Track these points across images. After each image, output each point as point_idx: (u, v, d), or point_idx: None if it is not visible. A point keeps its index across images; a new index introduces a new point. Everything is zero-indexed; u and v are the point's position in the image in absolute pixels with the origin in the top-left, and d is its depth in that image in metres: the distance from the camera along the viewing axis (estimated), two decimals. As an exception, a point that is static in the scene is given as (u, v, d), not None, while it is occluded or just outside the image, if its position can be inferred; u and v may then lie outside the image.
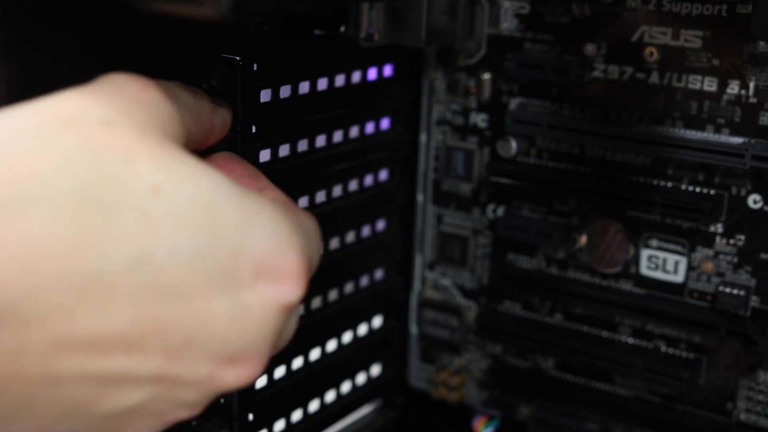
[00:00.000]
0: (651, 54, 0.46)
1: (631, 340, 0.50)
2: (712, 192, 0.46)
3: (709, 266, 0.47)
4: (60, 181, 0.25)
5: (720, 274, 0.47)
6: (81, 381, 0.26)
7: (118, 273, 0.25)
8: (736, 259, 0.46)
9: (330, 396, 0.53)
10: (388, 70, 0.52)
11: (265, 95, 0.43)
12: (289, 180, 0.44)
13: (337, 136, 0.49)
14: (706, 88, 0.45)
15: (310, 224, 0.32)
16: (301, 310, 0.49)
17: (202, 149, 0.35)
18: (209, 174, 0.28)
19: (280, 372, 0.49)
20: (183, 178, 0.27)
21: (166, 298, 0.26)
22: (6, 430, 0.26)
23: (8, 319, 0.24)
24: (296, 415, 0.50)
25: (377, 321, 0.56)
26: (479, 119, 0.52)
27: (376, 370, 0.57)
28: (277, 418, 0.49)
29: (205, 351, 0.27)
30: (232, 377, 0.28)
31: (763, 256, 0.46)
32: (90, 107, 0.27)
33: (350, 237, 0.52)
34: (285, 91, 0.45)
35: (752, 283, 0.46)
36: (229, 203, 0.28)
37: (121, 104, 0.27)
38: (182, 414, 0.29)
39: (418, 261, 0.57)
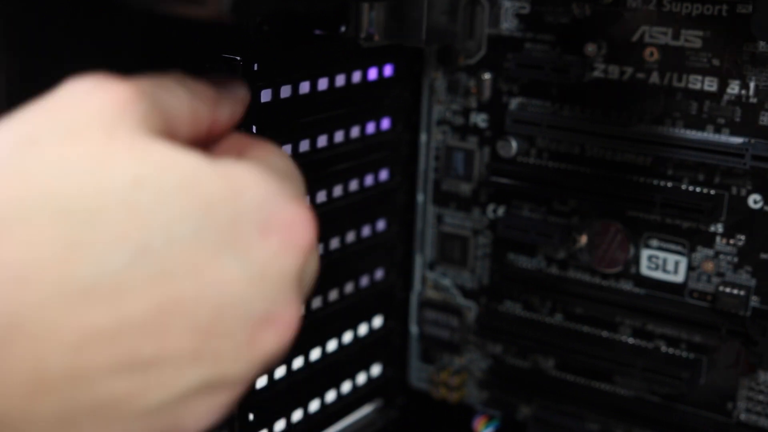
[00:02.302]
0: (651, 54, 0.46)
1: (631, 340, 0.50)
2: (712, 192, 0.46)
3: (709, 266, 0.47)
4: (35, 199, 0.25)
5: (720, 274, 0.47)
6: (115, 374, 0.25)
7: (121, 269, 0.25)
8: (736, 259, 0.46)
9: (330, 396, 0.53)
10: (388, 70, 0.52)
11: (266, 95, 0.44)
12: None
13: (338, 136, 0.49)
14: (706, 88, 0.45)
15: (288, 165, 0.33)
16: (301, 309, 0.49)
17: (208, 140, 0.35)
18: (188, 156, 0.28)
19: (280, 372, 0.49)
20: (162, 165, 0.27)
21: (176, 279, 0.26)
22: None
23: (18, 335, 0.24)
24: (296, 415, 0.50)
25: (377, 321, 0.56)
26: (479, 119, 0.52)
27: (376, 370, 0.57)
28: (277, 418, 0.49)
29: (234, 318, 0.27)
30: (272, 338, 0.28)
31: (764, 256, 0.46)
32: (52, 121, 0.27)
33: (350, 237, 0.52)
34: (285, 91, 0.45)
35: (752, 283, 0.46)
36: (213, 179, 0.28)
37: (85, 110, 0.27)
38: (236, 390, 0.28)
39: (419, 261, 0.57)
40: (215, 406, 0.28)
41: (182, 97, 0.31)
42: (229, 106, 0.35)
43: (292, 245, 0.29)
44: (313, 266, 0.32)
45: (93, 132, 0.27)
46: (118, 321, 0.25)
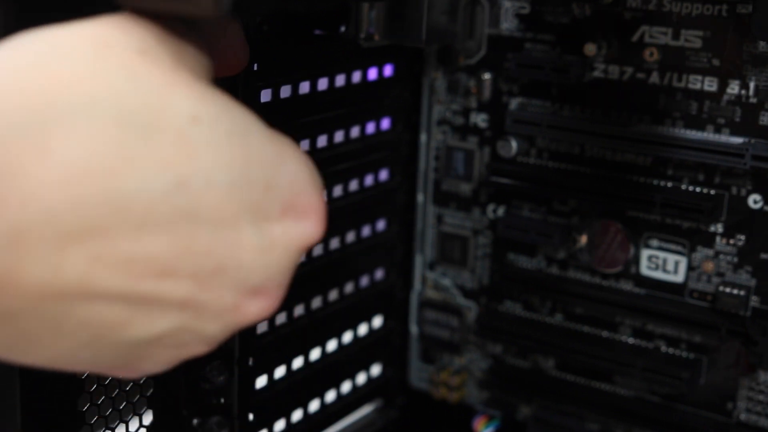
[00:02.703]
0: (651, 54, 0.46)
1: (631, 340, 0.50)
2: (712, 192, 0.46)
3: (709, 266, 0.47)
4: (102, 100, 0.25)
5: (720, 274, 0.47)
6: (114, 302, 0.26)
7: (157, 195, 0.25)
8: (736, 259, 0.46)
9: (330, 396, 0.53)
10: (388, 70, 0.52)
11: (266, 95, 0.44)
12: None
13: (338, 136, 0.49)
14: (706, 88, 0.45)
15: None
16: (301, 309, 0.49)
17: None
18: (243, 111, 0.28)
19: (280, 372, 0.49)
20: (220, 110, 0.27)
21: (199, 224, 0.26)
22: (30, 352, 0.26)
23: (47, 233, 0.24)
24: (296, 415, 0.50)
25: (377, 321, 0.56)
26: (479, 119, 0.52)
27: (376, 370, 0.57)
28: (277, 418, 0.49)
29: (232, 280, 0.28)
30: (255, 308, 0.29)
31: (764, 256, 0.46)
32: (125, 35, 0.27)
33: (350, 237, 0.52)
34: (285, 92, 0.45)
35: (752, 283, 0.46)
36: (262, 139, 0.28)
37: (150, 37, 0.28)
38: (200, 348, 0.29)
39: (419, 261, 0.57)
40: (175, 356, 0.29)
41: (215, 39, 0.32)
42: (243, 50, 0.35)
43: (301, 236, 0.29)
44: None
45: (161, 58, 0.27)
46: (136, 251, 0.25)
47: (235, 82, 0.41)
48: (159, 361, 0.29)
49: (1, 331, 0.25)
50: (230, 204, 0.27)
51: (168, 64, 0.27)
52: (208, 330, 0.28)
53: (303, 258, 0.47)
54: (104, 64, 0.26)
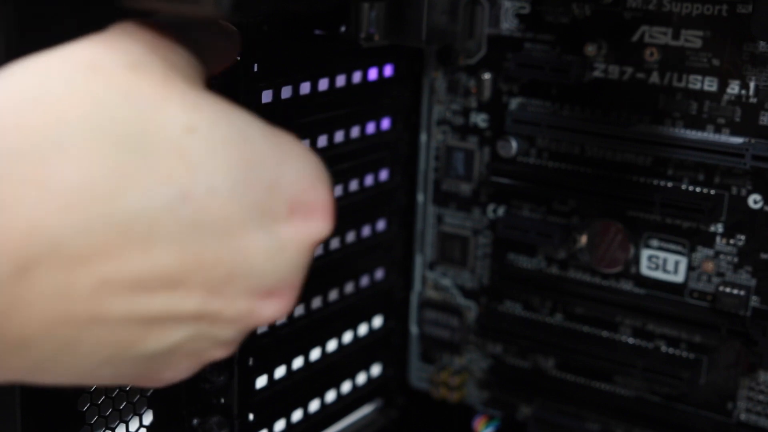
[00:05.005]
0: (651, 54, 0.46)
1: (631, 340, 0.50)
2: (712, 192, 0.46)
3: (709, 266, 0.47)
4: (95, 123, 0.25)
5: (720, 274, 0.47)
6: (127, 321, 0.26)
7: (160, 211, 0.25)
8: (736, 259, 0.46)
9: (330, 396, 0.53)
10: (388, 70, 0.52)
11: (267, 96, 0.43)
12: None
13: (338, 136, 0.49)
14: (706, 88, 0.45)
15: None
16: (301, 309, 0.49)
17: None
18: (239, 113, 0.28)
19: (280, 372, 0.49)
20: (215, 117, 0.27)
21: (206, 234, 0.26)
22: (50, 374, 0.26)
23: (54, 260, 0.24)
24: (296, 415, 0.50)
25: (377, 321, 0.56)
26: (479, 119, 0.52)
27: (376, 370, 0.57)
28: (277, 418, 0.49)
29: (244, 285, 0.27)
30: (270, 310, 0.29)
31: (764, 256, 0.46)
32: (112, 53, 0.27)
33: (351, 237, 0.52)
34: (286, 92, 0.45)
35: (752, 283, 0.46)
36: (261, 140, 0.28)
37: (140, 50, 0.27)
38: (219, 353, 0.29)
39: (419, 261, 0.57)
40: (196, 363, 0.29)
41: (206, 41, 0.31)
42: (233, 44, 0.35)
43: (311, 233, 0.29)
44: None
45: (151, 70, 0.27)
46: (145, 269, 0.25)
47: (236, 84, 0.41)
48: (180, 369, 0.29)
49: (18, 357, 0.25)
50: (235, 209, 0.27)
51: (159, 76, 0.27)
52: (224, 335, 0.28)
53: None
54: (94, 86, 0.26)
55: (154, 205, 0.25)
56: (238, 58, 0.41)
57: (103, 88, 0.26)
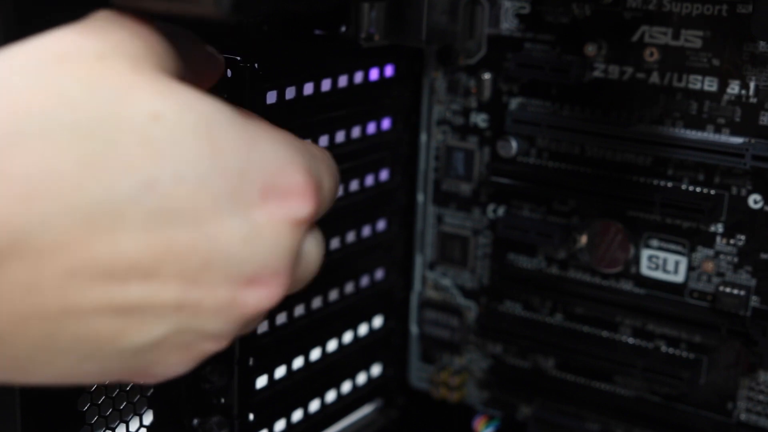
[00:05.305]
0: (651, 54, 0.46)
1: (631, 340, 0.50)
2: (713, 192, 0.46)
3: (709, 266, 0.47)
4: (57, 114, 0.25)
5: (720, 274, 0.47)
6: (101, 313, 0.26)
7: (126, 200, 0.25)
8: (736, 259, 0.46)
9: (330, 396, 0.53)
10: (389, 71, 0.52)
11: (271, 97, 0.43)
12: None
13: (339, 136, 0.49)
14: (706, 88, 0.45)
15: (320, 152, 0.33)
16: (301, 309, 0.49)
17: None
18: (207, 100, 0.28)
19: (280, 372, 0.49)
20: (181, 104, 0.27)
21: (176, 222, 0.26)
22: (33, 373, 0.26)
23: (18, 253, 0.24)
24: (296, 415, 0.50)
25: (377, 321, 0.56)
26: (479, 119, 0.52)
27: (376, 370, 0.57)
28: (277, 418, 0.49)
29: (222, 273, 0.27)
30: (254, 299, 0.28)
31: (764, 256, 0.46)
32: (82, 42, 0.27)
33: (351, 237, 0.52)
34: (290, 93, 0.45)
35: (752, 283, 0.46)
36: (229, 127, 0.28)
37: (113, 38, 0.27)
38: (210, 346, 0.29)
39: (419, 261, 0.57)
40: (187, 357, 0.29)
41: (184, 41, 0.32)
42: (215, 60, 0.35)
43: (288, 215, 0.29)
44: (315, 250, 0.32)
45: (120, 60, 0.27)
46: (113, 258, 0.25)
47: (241, 84, 0.41)
48: (171, 364, 0.28)
49: None
50: (204, 197, 0.26)
51: (129, 64, 0.27)
52: (209, 327, 0.28)
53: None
54: (58, 77, 0.26)
55: (117, 194, 0.25)
56: (239, 59, 0.41)
57: (68, 79, 0.26)
